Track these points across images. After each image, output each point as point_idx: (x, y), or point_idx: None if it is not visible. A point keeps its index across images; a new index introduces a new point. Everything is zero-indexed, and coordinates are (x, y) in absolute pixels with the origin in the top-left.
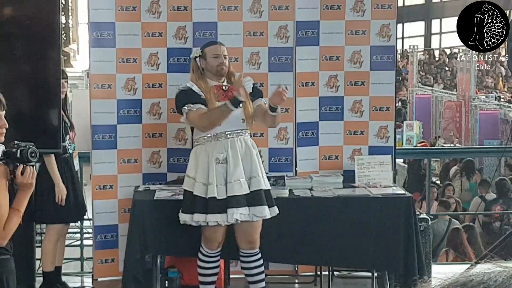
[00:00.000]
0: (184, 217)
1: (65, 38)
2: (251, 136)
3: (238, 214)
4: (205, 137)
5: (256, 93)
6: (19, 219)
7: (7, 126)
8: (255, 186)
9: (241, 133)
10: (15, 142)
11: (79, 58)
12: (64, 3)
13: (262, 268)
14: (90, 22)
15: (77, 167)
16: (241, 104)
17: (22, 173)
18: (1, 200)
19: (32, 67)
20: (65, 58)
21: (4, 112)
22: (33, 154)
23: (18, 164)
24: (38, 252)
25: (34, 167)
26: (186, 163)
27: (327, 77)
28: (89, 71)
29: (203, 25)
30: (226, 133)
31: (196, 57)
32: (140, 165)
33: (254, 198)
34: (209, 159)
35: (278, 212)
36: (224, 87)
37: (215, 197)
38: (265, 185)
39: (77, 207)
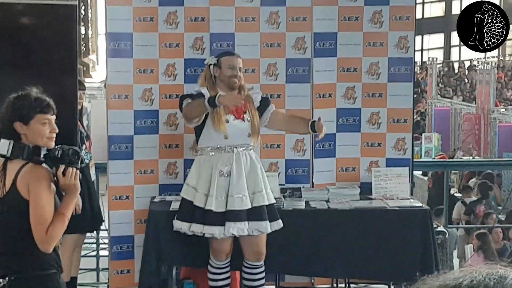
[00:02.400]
0: (180, 225)
1: (84, 49)
2: (259, 149)
3: (236, 229)
4: (209, 148)
5: (264, 104)
6: (64, 224)
7: (57, 131)
8: (258, 202)
9: (246, 148)
10: (60, 145)
11: (98, 69)
12: (84, 13)
13: (263, 281)
14: (108, 33)
15: (93, 177)
16: (218, 106)
17: (64, 174)
18: (44, 202)
19: (49, 77)
20: (84, 68)
21: (55, 117)
22: (75, 155)
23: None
24: None
25: (78, 169)
26: None
27: (345, 88)
28: (107, 81)
29: (221, 36)
30: (232, 146)
31: (210, 64)
32: (157, 176)
33: (255, 213)
34: (212, 171)
35: (282, 225)
36: None
37: (212, 210)
38: (268, 200)
39: (93, 217)
